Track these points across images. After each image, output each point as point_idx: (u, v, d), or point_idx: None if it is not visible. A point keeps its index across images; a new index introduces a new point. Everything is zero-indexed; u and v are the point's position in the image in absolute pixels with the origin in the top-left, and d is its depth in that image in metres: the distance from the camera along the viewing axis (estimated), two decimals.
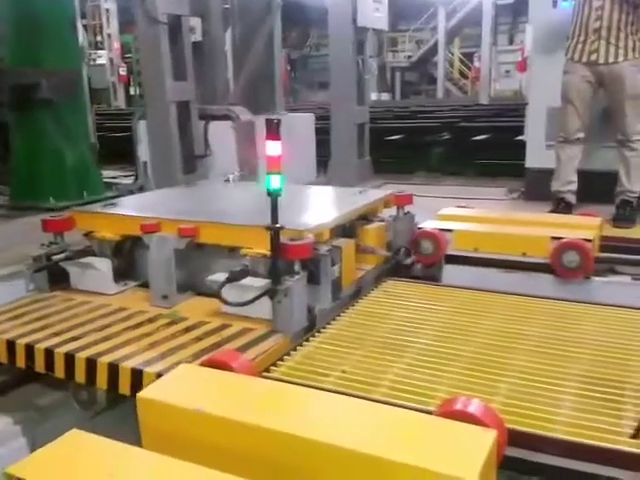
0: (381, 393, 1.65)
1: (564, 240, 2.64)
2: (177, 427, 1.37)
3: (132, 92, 16.43)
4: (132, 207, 2.96)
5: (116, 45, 16.34)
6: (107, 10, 16.42)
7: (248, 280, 2.26)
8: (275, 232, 2.09)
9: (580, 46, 3.95)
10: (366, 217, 2.88)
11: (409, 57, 23.69)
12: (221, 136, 4.62)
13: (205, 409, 1.34)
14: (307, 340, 2.04)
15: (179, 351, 2.04)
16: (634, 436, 1.42)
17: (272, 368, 1.80)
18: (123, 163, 7.19)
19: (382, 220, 2.94)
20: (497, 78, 17.88)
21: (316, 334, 2.09)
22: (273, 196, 2.04)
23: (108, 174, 6.68)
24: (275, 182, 2.02)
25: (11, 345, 2.21)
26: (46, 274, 2.66)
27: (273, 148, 2.01)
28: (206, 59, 4.79)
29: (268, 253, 2.18)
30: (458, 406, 1.31)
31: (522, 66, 11.23)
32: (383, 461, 1.16)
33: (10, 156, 4.66)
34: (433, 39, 21.66)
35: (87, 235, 2.77)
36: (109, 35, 16.51)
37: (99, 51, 15.95)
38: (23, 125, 4.58)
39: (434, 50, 21.25)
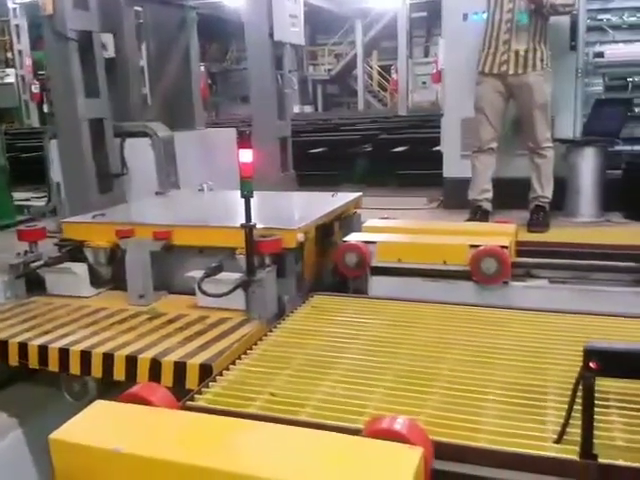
0: (309, 414, 1.62)
1: (481, 248, 2.71)
2: (94, 469, 1.29)
3: (46, 110, 15.80)
4: (112, 216, 3.15)
5: (28, 62, 15.62)
6: (17, 26, 15.63)
7: (223, 275, 2.52)
8: (249, 230, 2.37)
9: (491, 58, 4.08)
10: (340, 217, 3.25)
11: (329, 70, 23.99)
12: (139, 153, 4.50)
13: (124, 448, 1.26)
14: (233, 363, 1.99)
15: (167, 339, 2.24)
16: (557, 441, 1.45)
17: (196, 396, 1.73)
18: (37, 184, 6.86)
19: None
20: (414, 90, 18.39)
21: (242, 357, 2.04)
22: (246, 198, 2.32)
23: (20, 196, 6.38)
24: (247, 186, 2.31)
25: (4, 345, 2.33)
26: (24, 281, 2.81)
27: (245, 156, 2.29)
28: (120, 75, 4.65)
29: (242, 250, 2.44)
30: (384, 425, 1.29)
31: (437, 77, 11.59)
32: None
33: None
34: (352, 52, 22.04)
35: (61, 244, 2.93)
36: (20, 52, 15.75)
37: (7, 69, 15.20)
38: None
39: (353, 63, 21.62)
